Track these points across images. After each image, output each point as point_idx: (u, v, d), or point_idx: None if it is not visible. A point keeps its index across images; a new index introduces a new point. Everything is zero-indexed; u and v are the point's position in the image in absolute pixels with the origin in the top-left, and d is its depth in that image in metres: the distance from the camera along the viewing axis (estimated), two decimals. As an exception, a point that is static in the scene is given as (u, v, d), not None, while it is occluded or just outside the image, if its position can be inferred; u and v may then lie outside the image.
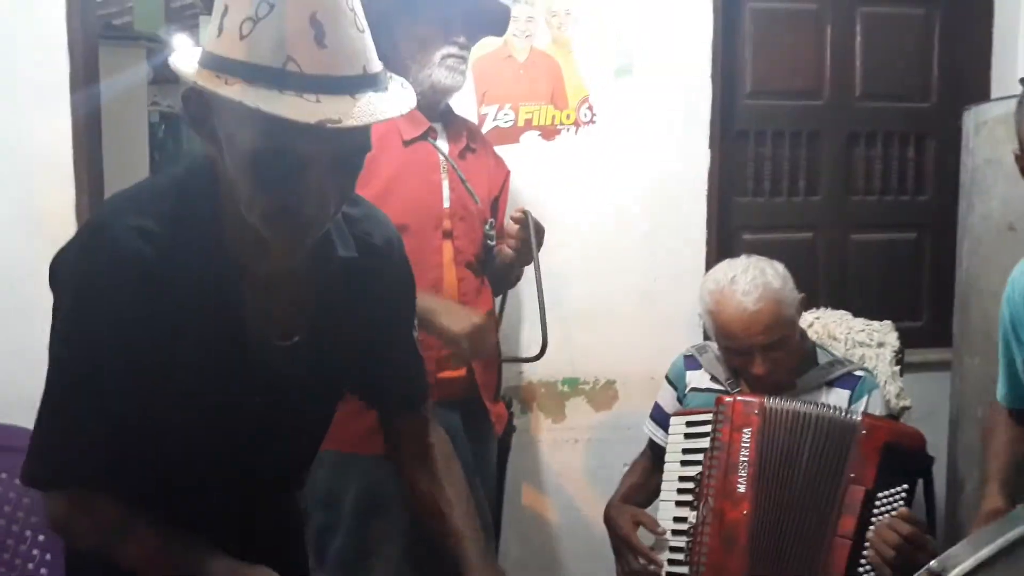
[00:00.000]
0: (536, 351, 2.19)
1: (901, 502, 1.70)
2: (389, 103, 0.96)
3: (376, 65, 0.97)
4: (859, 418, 1.77)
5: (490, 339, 1.94)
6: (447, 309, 1.88)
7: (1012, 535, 1.08)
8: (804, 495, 1.75)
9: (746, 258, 1.95)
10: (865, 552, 1.69)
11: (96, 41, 2.53)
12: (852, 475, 1.72)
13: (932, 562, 1.10)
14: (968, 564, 1.05)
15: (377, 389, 1.31)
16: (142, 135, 4.63)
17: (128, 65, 4.23)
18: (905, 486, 1.71)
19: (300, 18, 0.90)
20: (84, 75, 2.46)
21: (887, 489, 1.71)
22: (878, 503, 1.70)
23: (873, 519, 1.70)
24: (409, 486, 1.32)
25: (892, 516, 1.67)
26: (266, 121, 0.90)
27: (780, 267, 1.93)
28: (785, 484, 1.76)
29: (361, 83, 0.94)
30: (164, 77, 5.01)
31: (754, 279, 1.86)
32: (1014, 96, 2.46)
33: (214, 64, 0.93)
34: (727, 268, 1.93)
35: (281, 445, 1.17)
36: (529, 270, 2.16)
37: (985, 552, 1.07)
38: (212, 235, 1.04)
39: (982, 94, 2.92)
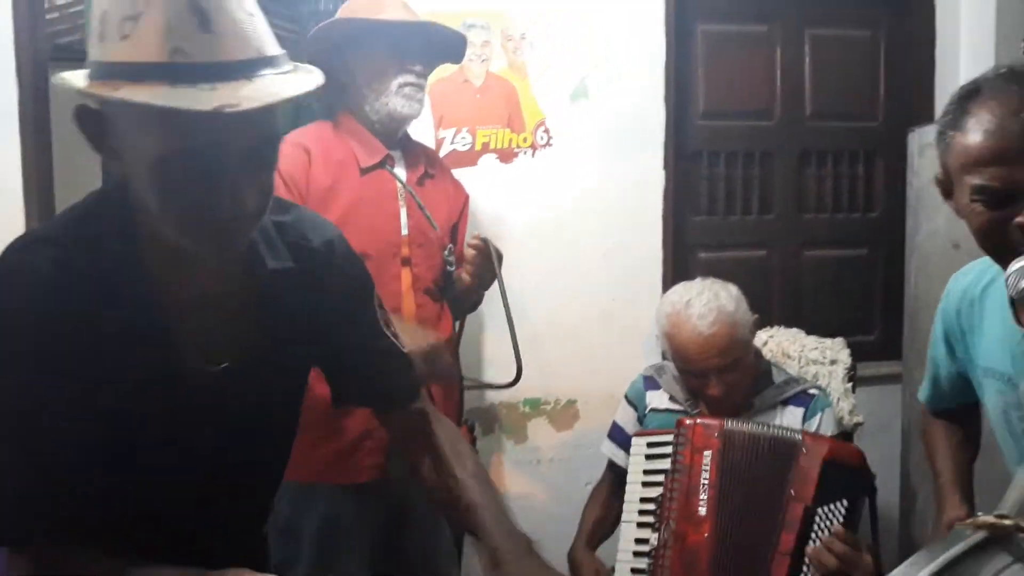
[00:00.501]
0: (502, 374, 2.21)
1: (841, 519, 1.72)
2: (289, 83, 0.91)
3: (274, 48, 0.92)
4: (799, 436, 1.80)
5: (446, 361, 1.94)
6: (403, 330, 1.88)
7: (951, 553, 1.10)
8: (755, 514, 1.77)
9: (701, 281, 1.99)
10: (804, 569, 1.71)
11: (46, 64, 2.50)
12: (792, 492, 1.74)
13: None
14: None
15: (358, 394, 1.27)
16: (95, 158, 4.55)
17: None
18: (845, 502, 1.73)
19: (182, 6, 0.86)
20: (33, 99, 2.43)
21: (826, 505, 1.73)
22: (818, 519, 1.73)
23: (812, 535, 1.72)
24: (418, 477, 1.28)
25: (828, 535, 1.68)
26: (163, 120, 0.86)
27: (734, 289, 1.96)
28: (742, 505, 1.78)
29: (256, 65, 0.89)
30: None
31: (708, 303, 1.89)
32: (956, 118, 2.54)
33: (100, 72, 0.88)
34: (682, 291, 1.96)
35: (234, 478, 1.11)
36: (490, 294, 2.17)
37: (924, 573, 1.09)
38: (129, 259, 0.98)
39: (927, 113, 3.01)
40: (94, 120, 0.94)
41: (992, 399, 1.36)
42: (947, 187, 1.24)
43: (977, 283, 1.38)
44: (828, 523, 1.71)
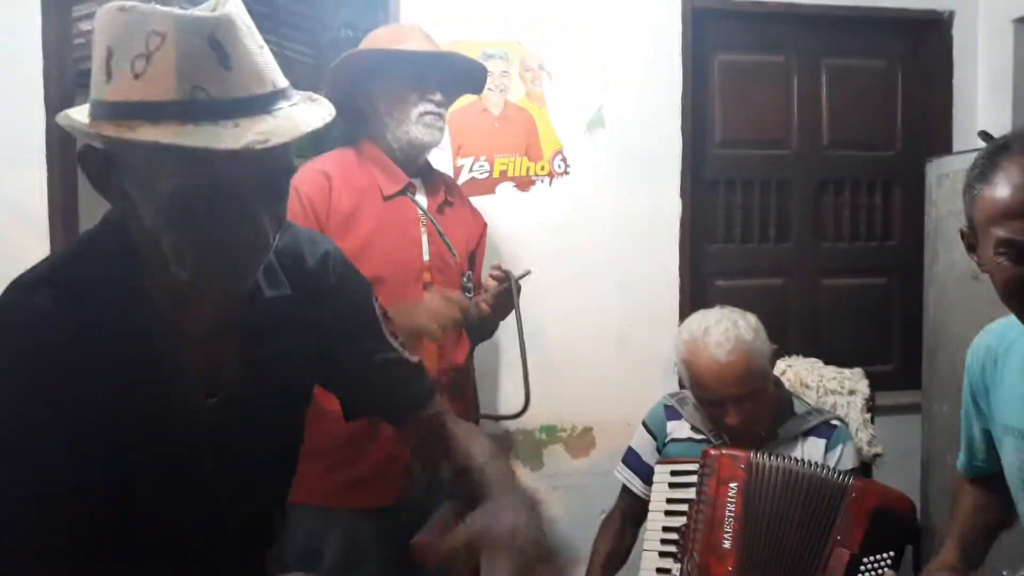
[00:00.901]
0: (515, 404, 2.20)
1: (886, 568, 1.70)
2: (309, 115, 0.92)
3: (283, 80, 0.91)
4: (851, 480, 1.77)
5: (449, 307, 1.89)
6: (415, 310, 1.88)
7: None
8: (791, 554, 1.75)
9: (719, 309, 1.98)
10: None
11: (73, 91, 2.54)
12: (839, 537, 1.71)
13: None
14: None
15: (368, 406, 1.26)
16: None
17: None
18: (891, 552, 1.71)
19: (198, 42, 0.84)
20: (61, 127, 2.47)
21: (873, 555, 1.70)
22: (863, 568, 1.70)
23: None
24: (438, 474, 1.26)
25: None
26: (185, 158, 0.84)
27: (753, 319, 1.96)
28: (772, 542, 1.75)
29: (273, 99, 0.89)
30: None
31: (726, 331, 1.88)
32: (973, 150, 2.55)
33: (110, 112, 0.86)
34: (701, 319, 1.96)
35: (236, 506, 1.09)
36: (504, 324, 2.18)
37: None
38: (129, 296, 0.96)
39: (944, 143, 3.02)
40: (99, 160, 0.92)
41: (1009, 456, 1.35)
42: (971, 241, 1.24)
43: (1001, 341, 1.38)
44: (873, 573, 1.69)
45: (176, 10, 0.84)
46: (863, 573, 1.70)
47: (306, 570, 1.85)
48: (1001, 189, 1.14)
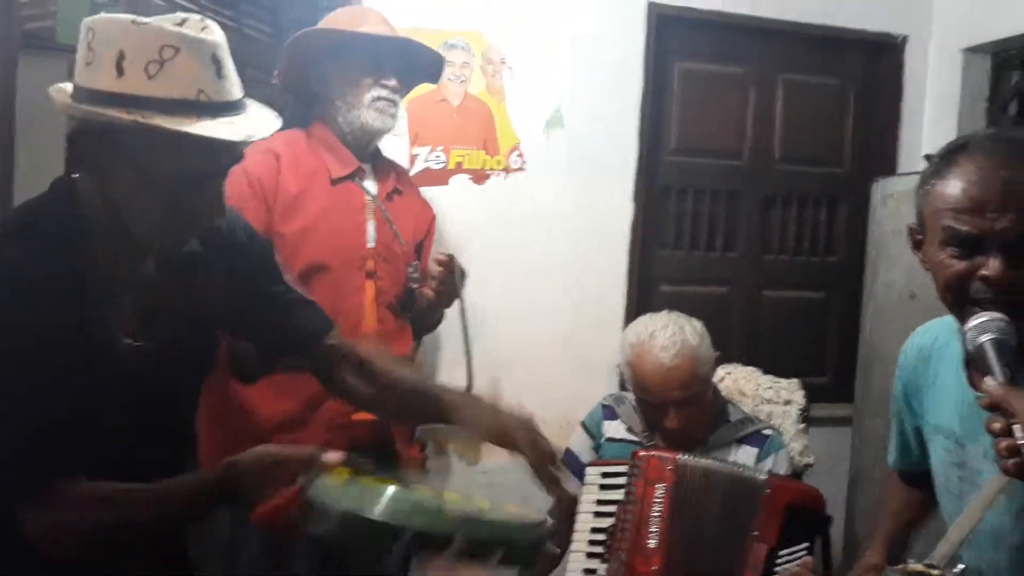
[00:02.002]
0: (458, 395, 2.19)
1: (807, 558, 1.72)
2: (270, 117, 1.19)
3: (241, 87, 1.17)
4: (764, 477, 1.81)
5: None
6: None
7: None
8: (712, 552, 1.78)
9: (667, 314, 2.00)
10: None
11: (16, 54, 2.46)
12: (756, 533, 1.75)
13: None
14: None
15: (280, 341, 1.44)
16: (57, 151, 4.47)
17: (49, 78, 4.08)
18: (806, 544, 1.75)
19: (203, 57, 1.09)
20: (3, 89, 2.39)
21: (788, 547, 1.74)
22: (779, 561, 1.73)
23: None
24: (356, 399, 1.48)
25: (789, 573, 1.70)
26: (185, 144, 1.07)
27: (698, 325, 1.98)
28: (695, 540, 1.78)
29: (244, 104, 1.15)
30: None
31: (673, 335, 1.90)
32: (917, 172, 2.61)
33: (120, 102, 1.06)
34: (648, 322, 1.98)
35: (155, 423, 1.25)
36: (450, 315, 2.17)
37: None
38: (75, 252, 1.14)
39: (890, 164, 3.09)
40: (93, 139, 1.11)
41: (938, 456, 1.38)
42: (918, 238, 1.27)
43: (934, 341, 1.41)
44: (787, 565, 1.72)
45: (186, 31, 1.09)
46: (780, 565, 1.73)
47: (227, 564, 1.83)
48: (954, 184, 1.16)
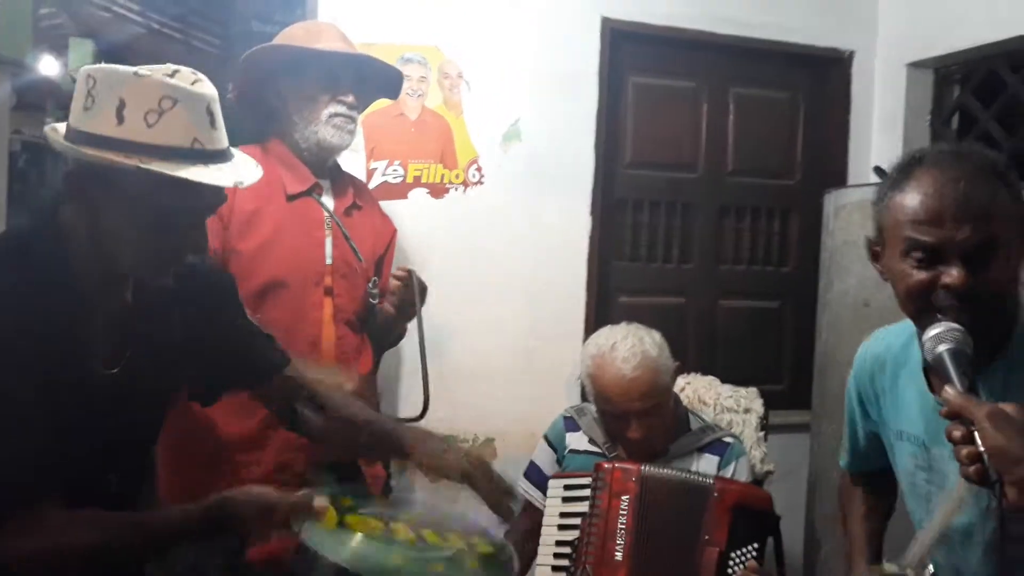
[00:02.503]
0: (416, 409, 2.18)
1: (752, 560, 1.77)
2: (252, 164, 1.30)
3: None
4: (711, 481, 1.84)
5: (367, 400, 1.90)
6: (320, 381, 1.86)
7: None
8: (672, 560, 1.80)
9: (626, 325, 2.02)
10: None
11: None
12: (707, 537, 1.78)
13: None
14: None
15: (237, 373, 1.49)
16: (1, 165, 4.35)
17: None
18: (755, 544, 1.78)
19: (199, 109, 1.19)
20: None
21: (738, 549, 1.77)
22: (731, 563, 1.76)
23: None
24: (306, 430, 1.53)
25: (743, 573, 1.73)
26: (177, 187, 1.16)
27: (657, 335, 2.01)
28: (657, 550, 1.80)
29: (230, 152, 1.25)
30: (28, 103, 4.74)
31: (633, 347, 1.92)
32: (869, 184, 2.67)
33: (120, 146, 1.15)
34: (608, 334, 1.99)
35: (118, 447, 1.32)
36: (412, 328, 2.16)
37: None
38: (58, 281, 1.22)
39: (840, 175, 3.16)
40: (91, 178, 1.19)
41: (903, 461, 1.41)
42: (877, 249, 1.30)
43: (889, 349, 1.45)
44: (741, 565, 1.75)
45: (183, 83, 1.18)
46: (732, 568, 1.75)
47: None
48: (912, 196, 1.20)
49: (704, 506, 1.80)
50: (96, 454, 1.28)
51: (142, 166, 1.14)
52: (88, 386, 1.25)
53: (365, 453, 1.55)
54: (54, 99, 3.44)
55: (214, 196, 1.24)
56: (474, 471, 1.46)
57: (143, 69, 1.18)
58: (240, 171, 1.24)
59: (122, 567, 1.30)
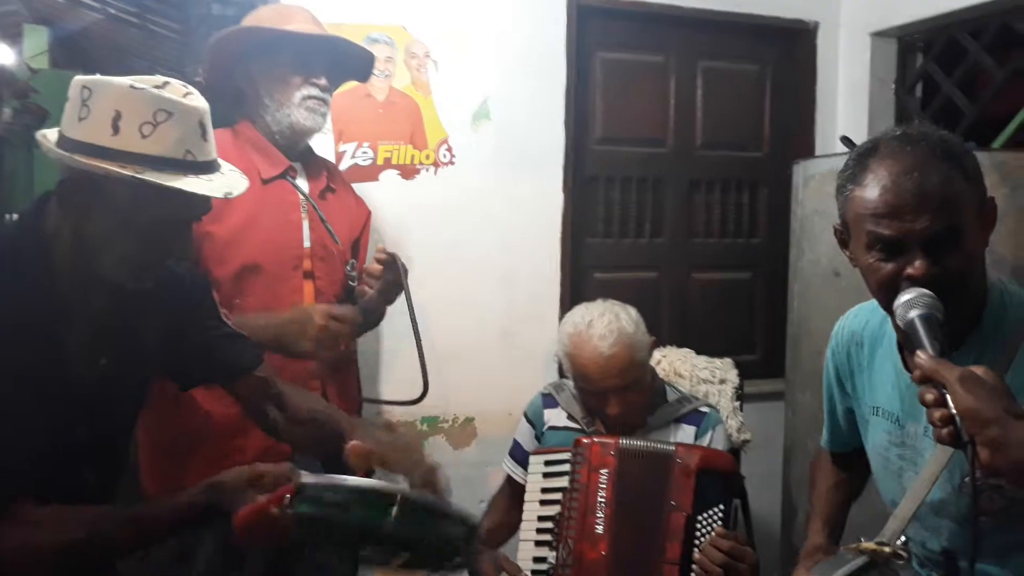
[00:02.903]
0: (400, 390, 2.19)
1: (719, 522, 1.79)
2: (238, 175, 1.35)
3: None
4: (673, 448, 1.86)
5: (342, 328, 1.87)
6: (291, 321, 1.85)
7: (838, 575, 1.18)
8: (644, 528, 1.82)
9: (602, 302, 2.03)
10: (693, 574, 1.76)
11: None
12: (673, 502, 1.80)
13: None
14: None
15: (207, 371, 1.56)
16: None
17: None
18: (721, 507, 1.80)
19: (192, 122, 1.24)
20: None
21: (704, 512, 1.80)
22: (699, 526, 1.79)
23: (696, 542, 1.78)
24: (272, 429, 1.59)
25: (711, 536, 1.75)
26: (169, 196, 1.21)
27: (633, 312, 2.02)
28: (634, 521, 1.82)
29: (218, 163, 1.30)
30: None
31: (609, 324, 1.93)
32: (837, 154, 2.71)
33: (115, 156, 1.20)
34: (584, 312, 2.00)
35: (98, 442, 1.37)
36: (391, 310, 2.15)
37: None
38: (42, 282, 1.26)
39: (807, 146, 3.19)
40: (84, 186, 1.22)
41: (876, 436, 1.44)
42: (844, 237, 1.32)
43: (865, 326, 1.47)
44: (709, 528, 1.78)
45: (179, 97, 1.23)
46: (699, 531, 1.78)
47: (181, 570, 1.80)
48: (870, 190, 1.23)
49: (669, 473, 1.82)
50: (72, 451, 1.31)
51: (137, 176, 1.18)
52: (66, 385, 1.28)
53: (323, 451, 1.59)
54: (10, 88, 3.36)
55: (202, 205, 1.29)
56: (420, 473, 1.48)
57: (138, 82, 1.22)
58: (229, 182, 1.29)
59: (108, 561, 1.33)
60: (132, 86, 1.21)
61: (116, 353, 1.35)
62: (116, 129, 1.19)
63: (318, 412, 1.62)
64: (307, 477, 1.21)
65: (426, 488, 1.45)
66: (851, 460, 1.62)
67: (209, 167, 1.26)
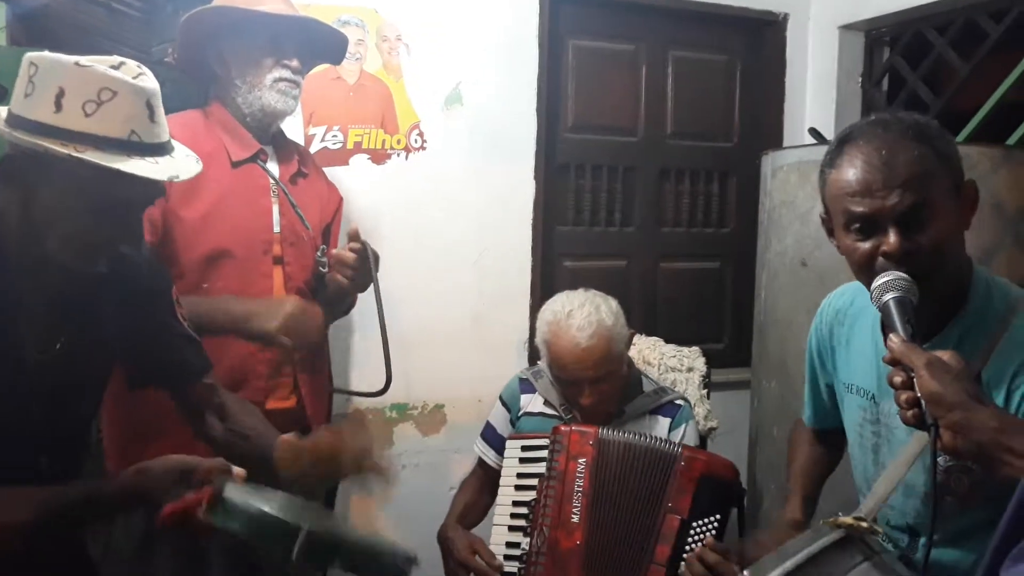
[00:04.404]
0: (369, 379, 2.17)
1: (713, 531, 1.79)
2: (192, 159, 1.33)
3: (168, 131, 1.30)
4: (679, 450, 1.86)
5: (310, 323, 1.87)
6: (259, 309, 1.83)
7: (814, 548, 1.20)
8: (630, 524, 1.82)
9: (583, 292, 2.02)
10: None
11: None
12: (670, 504, 1.80)
13: (744, 572, 1.21)
14: (776, 574, 1.17)
15: (156, 373, 1.54)
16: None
17: None
18: (717, 515, 1.81)
19: (139, 102, 1.21)
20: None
21: (701, 519, 1.80)
22: (692, 532, 1.79)
23: (687, 547, 1.78)
24: (211, 440, 1.56)
25: (700, 546, 1.73)
26: (112, 177, 1.18)
27: (614, 303, 2.02)
28: (614, 513, 1.83)
29: (169, 145, 1.28)
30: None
31: (589, 315, 1.93)
32: (805, 145, 2.73)
33: (55, 134, 1.17)
34: (565, 300, 2.00)
35: (52, 430, 1.36)
36: (362, 298, 2.13)
37: (790, 563, 1.18)
38: None
39: (776, 137, 3.22)
40: (25, 165, 1.21)
41: (852, 413, 1.47)
42: (829, 225, 1.35)
43: (851, 304, 1.50)
44: (701, 536, 1.78)
45: (125, 76, 1.20)
46: (692, 537, 1.79)
47: (144, 561, 1.78)
48: (845, 171, 1.26)
49: (669, 473, 1.82)
50: (26, 437, 1.30)
51: (76, 155, 1.16)
52: (18, 370, 1.27)
53: (254, 464, 1.55)
54: (-34, 64, 3.27)
55: (150, 188, 1.26)
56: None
57: (85, 60, 1.19)
58: (178, 165, 1.26)
59: (46, 540, 1.31)
60: (77, 63, 1.19)
61: (73, 337, 1.33)
62: (59, 106, 1.17)
63: (252, 428, 1.58)
64: (231, 486, 1.20)
65: (369, 473, 1.49)
66: (833, 437, 1.65)
67: (158, 149, 1.24)
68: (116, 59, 1.24)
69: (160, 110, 1.24)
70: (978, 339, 1.25)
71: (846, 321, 1.49)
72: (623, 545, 1.81)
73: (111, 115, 1.18)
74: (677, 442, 1.93)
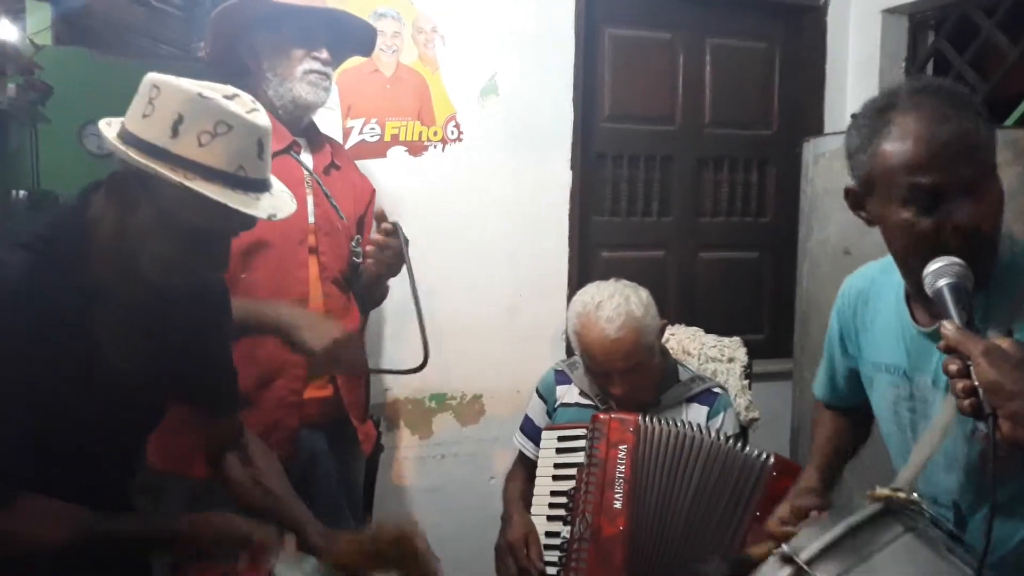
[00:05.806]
0: (404, 365, 2.17)
1: None
2: (288, 197, 1.34)
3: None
4: (771, 460, 1.81)
5: (352, 355, 1.88)
6: (310, 324, 1.83)
7: (853, 520, 1.17)
8: (692, 513, 1.79)
9: (613, 283, 2.01)
10: None
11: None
12: (758, 513, 1.75)
13: (783, 546, 1.18)
14: (816, 546, 1.14)
15: (205, 390, 1.53)
16: None
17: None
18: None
19: (250, 139, 1.24)
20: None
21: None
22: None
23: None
24: (227, 479, 1.56)
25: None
26: (214, 208, 1.20)
27: (644, 294, 2.00)
28: (663, 503, 1.80)
29: (270, 182, 1.30)
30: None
31: (618, 307, 1.92)
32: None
33: (168, 159, 1.20)
34: (595, 292, 1.99)
35: (117, 440, 1.39)
36: (395, 288, 2.14)
37: (829, 536, 1.16)
38: (80, 277, 1.27)
39: (817, 124, 3.17)
40: (134, 183, 1.24)
41: (883, 392, 1.43)
42: (859, 199, 1.29)
43: (872, 284, 1.46)
44: None
45: (243, 112, 1.23)
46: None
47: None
48: (903, 142, 1.19)
49: (756, 481, 1.78)
50: (94, 442, 1.33)
51: (186, 183, 1.18)
52: (94, 377, 1.29)
53: (264, 518, 1.53)
54: (14, 64, 3.34)
55: (245, 221, 1.28)
56: (389, 552, 1.44)
57: (207, 90, 1.22)
58: (276, 203, 1.28)
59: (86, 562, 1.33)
60: (200, 94, 1.21)
61: (141, 349, 1.36)
62: (176, 132, 1.20)
63: (282, 491, 1.56)
64: (282, 566, 1.24)
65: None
66: (849, 415, 1.62)
67: (260, 185, 1.26)
68: (231, 90, 1.26)
69: (268, 148, 1.27)
70: (1005, 302, 1.21)
71: (870, 301, 1.45)
72: (683, 531, 1.79)
73: (223, 148, 1.21)
74: (715, 427, 1.90)
